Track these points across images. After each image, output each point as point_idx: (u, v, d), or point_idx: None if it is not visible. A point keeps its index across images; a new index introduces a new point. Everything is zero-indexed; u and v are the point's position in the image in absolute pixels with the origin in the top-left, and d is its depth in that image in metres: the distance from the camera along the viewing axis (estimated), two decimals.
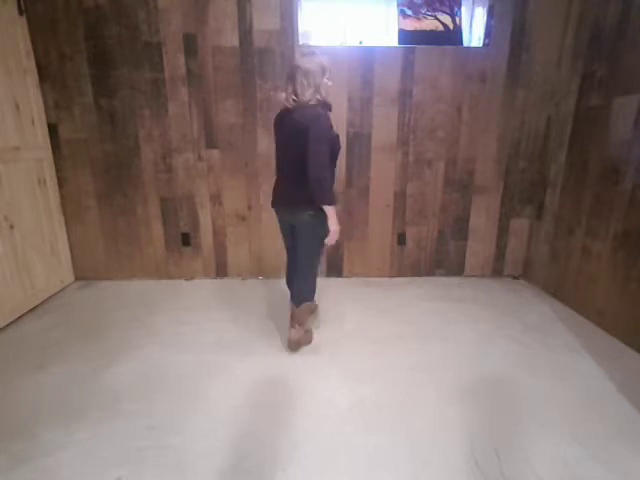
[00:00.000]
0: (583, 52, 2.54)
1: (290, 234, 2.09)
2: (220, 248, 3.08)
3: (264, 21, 2.64)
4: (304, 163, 1.77)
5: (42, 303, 2.67)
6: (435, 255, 3.16)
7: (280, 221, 2.11)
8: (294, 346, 2.12)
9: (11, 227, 2.41)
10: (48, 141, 2.77)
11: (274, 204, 2.06)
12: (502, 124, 2.88)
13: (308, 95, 1.79)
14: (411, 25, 3.10)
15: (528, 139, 2.91)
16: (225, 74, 2.73)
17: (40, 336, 2.27)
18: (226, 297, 2.80)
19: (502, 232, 3.11)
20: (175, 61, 2.69)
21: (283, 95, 1.85)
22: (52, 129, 2.78)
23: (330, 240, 1.92)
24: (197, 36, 2.66)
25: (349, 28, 3.03)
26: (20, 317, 2.47)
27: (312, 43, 2.82)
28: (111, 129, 2.80)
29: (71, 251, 3.01)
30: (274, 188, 2.07)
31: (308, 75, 1.77)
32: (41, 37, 2.61)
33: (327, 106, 1.87)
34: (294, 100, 1.81)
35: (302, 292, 2.12)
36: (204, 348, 2.15)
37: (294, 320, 2.12)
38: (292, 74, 1.80)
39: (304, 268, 2.09)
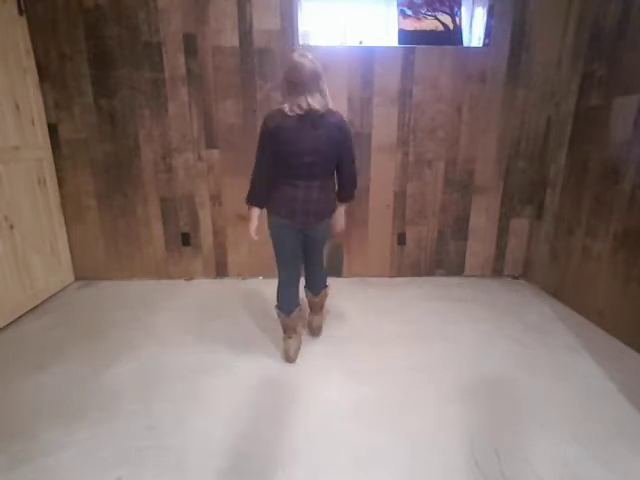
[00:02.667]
0: (583, 52, 2.54)
1: (299, 242, 1.97)
2: (220, 248, 3.08)
3: (264, 21, 2.64)
4: (331, 170, 1.91)
5: (42, 303, 2.67)
6: (435, 255, 3.16)
7: (289, 230, 1.89)
8: (318, 331, 2.28)
9: (11, 227, 2.41)
10: (48, 141, 2.77)
11: (292, 215, 1.84)
12: (502, 124, 2.88)
13: (329, 99, 1.76)
14: (411, 25, 3.10)
15: (528, 139, 2.91)
16: (225, 74, 2.73)
17: (40, 336, 2.27)
18: (226, 297, 2.80)
19: (502, 232, 3.11)
20: (175, 61, 2.69)
21: (316, 100, 1.68)
22: (52, 129, 2.78)
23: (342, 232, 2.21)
24: (197, 36, 2.66)
25: (349, 28, 3.03)
26: (20, 317, 2.47)
27: (312, 43, 2.82)
28: (111, 129, 2.80)
29: (71, 251, 3.01)
30: (284, 198, 1.83)
31: (323, 80, 1.73)
32: (41, 37, 2.61)
33: None
34: (325, 105, 1.72)
35: (321, 282, 2.25)
36: (204, 348, 2.15)
37: (315, 308, 2.28)
38: (316, 79, 1.68)
39: (320, 262, 2.19)
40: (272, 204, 1.88)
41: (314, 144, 1.74)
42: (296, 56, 1.71)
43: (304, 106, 1.67)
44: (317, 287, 2.23)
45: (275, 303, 2.05)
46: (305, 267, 2.16)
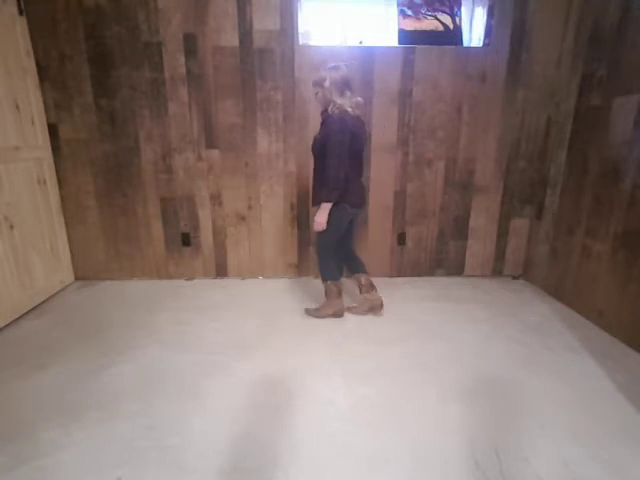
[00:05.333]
0: (583, 52, 2.54)
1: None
2: (220, 248, 3.08)
3: (264, 21, 2.64)
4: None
5: (42, 303, 2.67)
6: (435, 255, 3.15)
7: (348, 216, 2.26)
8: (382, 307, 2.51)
9: (11, 227, 2.40)
10: (48, 141, 2.77)
11: (361, 205, 2.32)
12: (502, 124, 2.88)
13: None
14: (411, 25, 3.10)
15: (528, 139, 2.91)
16: (225, 74, 2.73)
17: (40, 336, 2.27)
18: (226, 297, 2.80)
19: (502, 232, 3.11)
20: (175, 61, 2.69)
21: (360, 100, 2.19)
22: (52, 129, 2.77)
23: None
24: (197, 36, 2.66)
25: (349, 28, 3.03)
26: (20, 317, 2.47)
27: (312, 43, 2.82)
28: (111, 129, 2.80)
29: (71, 251, 3.01)
30: (356, 190, 2.24)
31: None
32: (41, 37, 2.61)
33: None
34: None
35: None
36: (204, 348, 2.15)
37: (373, 286, 2.47)
38: (351, 83, 2.14)
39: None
40: (349, 195, 2.18)
41: (364, 142, 2.25)
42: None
43: (357, 103, 2.16)
44: (364, 266, 2.50)
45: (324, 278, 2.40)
46: (349, 251, 2.50)
